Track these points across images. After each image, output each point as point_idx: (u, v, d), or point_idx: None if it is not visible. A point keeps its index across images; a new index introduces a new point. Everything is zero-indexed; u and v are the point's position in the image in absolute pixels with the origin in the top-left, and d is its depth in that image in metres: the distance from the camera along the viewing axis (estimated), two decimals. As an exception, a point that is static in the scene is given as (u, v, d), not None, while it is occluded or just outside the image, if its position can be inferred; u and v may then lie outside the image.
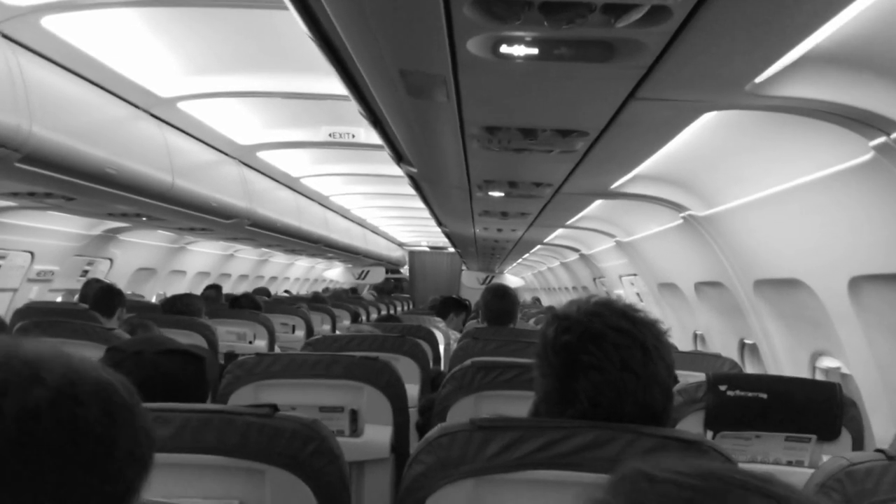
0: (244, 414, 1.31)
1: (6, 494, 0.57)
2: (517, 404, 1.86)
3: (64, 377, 0.63)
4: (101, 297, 4.04)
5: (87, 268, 6.50)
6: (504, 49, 1.59)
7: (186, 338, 3.22)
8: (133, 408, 0.67)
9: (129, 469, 0.65)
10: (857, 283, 2.42)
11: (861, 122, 1.90)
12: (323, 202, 8.03)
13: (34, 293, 5.75)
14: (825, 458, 1.82)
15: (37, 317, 3.46)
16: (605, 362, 1.19)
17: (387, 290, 16.63)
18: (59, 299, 6.24)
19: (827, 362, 3.07)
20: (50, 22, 2.76)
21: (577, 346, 1.21)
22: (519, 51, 1.59)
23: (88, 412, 0.62)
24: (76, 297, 5.75)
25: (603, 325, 1.21)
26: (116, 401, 0.65)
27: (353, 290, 11.50)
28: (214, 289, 6.97)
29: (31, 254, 5.52)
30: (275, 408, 1.30)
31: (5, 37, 2.71)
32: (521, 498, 1.22)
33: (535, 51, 1.59)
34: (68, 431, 0.60)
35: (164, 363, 1.57)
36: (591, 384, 1.19)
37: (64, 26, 2.84)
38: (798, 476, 1.32)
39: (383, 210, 10.35)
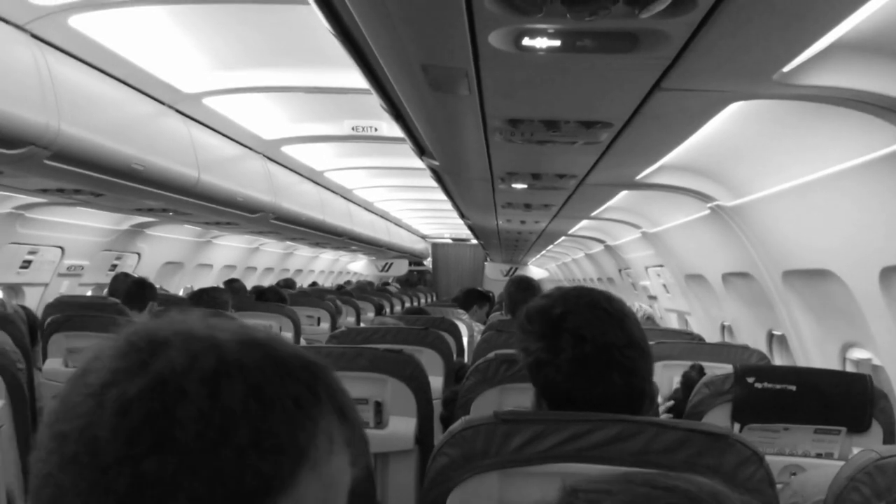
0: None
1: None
2: (541, 397, 1.86)
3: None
4: (135, 290, 4.05)
5: (115, 262, 6.62)
6: (526, 41, 1.58)
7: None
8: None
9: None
10: (889, 274, 2.37)
11: (892, 110, 1.86)
12: (346, 195, 8.06)
13: (64, 287, 5.87)
14: (855, 450, 1.80)
15: (67, 311, 3.52)
16: (579, 308, 1.34)
17: (412, 283, 16.67)
18: (88, 293, 6.36)
19: (857, 354, 3.02)
20: (77, 21, 2.80)
21: (550, 306, 1.36)
22: (541, 43, 1.57)
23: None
24: (105, 291, 5.85)
25: (567, 303, 1.37)
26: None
27: (371, 285, 11.50)
28: (235, 282, 6.99)
29: (62, 249, 5.63)
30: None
31: (33, 36, 2.75)
32: (546, 491, 1.21)
33: (557, 43, 1.58)
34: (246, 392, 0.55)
35: None
36: (573, 324, 1.31)
37: (91, 25, 2.88)
38: (827, 469, 1.30)
39: (406, 203, 10.36)
